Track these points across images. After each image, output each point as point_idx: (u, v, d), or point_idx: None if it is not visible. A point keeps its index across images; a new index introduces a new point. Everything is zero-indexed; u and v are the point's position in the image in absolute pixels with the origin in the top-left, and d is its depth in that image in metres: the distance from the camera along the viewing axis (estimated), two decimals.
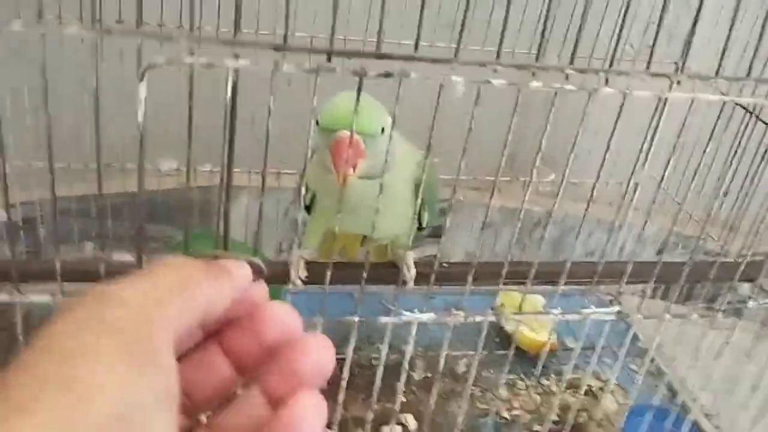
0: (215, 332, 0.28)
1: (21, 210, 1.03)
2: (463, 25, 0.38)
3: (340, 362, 1.01)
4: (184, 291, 0.25)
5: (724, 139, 0.82)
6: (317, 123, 0.61)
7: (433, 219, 0.75)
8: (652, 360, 1.11)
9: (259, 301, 0.28)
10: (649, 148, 1.00)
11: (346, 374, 0.54)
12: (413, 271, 0.70)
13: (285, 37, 0.32)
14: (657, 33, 0.51)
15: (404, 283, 0.69)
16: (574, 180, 1.23)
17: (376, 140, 0.62)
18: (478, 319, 0.58)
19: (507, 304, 1.08)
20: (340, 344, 1.08)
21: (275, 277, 0.64)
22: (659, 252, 1.28)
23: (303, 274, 0.69)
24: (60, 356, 0.21)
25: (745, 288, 1.01)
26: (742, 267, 0.63)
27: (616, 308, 0.60)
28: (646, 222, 0.61)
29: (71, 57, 0.61)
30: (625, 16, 0.54)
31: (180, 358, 0.27)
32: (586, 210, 0.59)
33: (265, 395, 0.26)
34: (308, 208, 0.75)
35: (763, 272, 0.75)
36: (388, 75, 0.36)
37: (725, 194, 0.65)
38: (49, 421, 0.19)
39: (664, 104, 0.54)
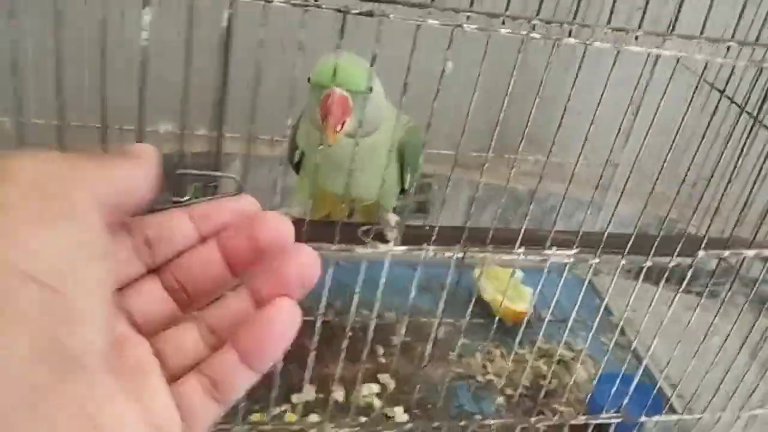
0: (214, 234, 0.30)
1: None
2: None
3: (325, 323, 1.05)
4: (99, 161, 0.25)
5: (696, 121, 0.86)
6: (309, 80, 0.64)
7: (415, 182, 0.78)
8: (623, 333, 1.16)
9: (253, 211, 0.30)
10: (631, 127, 1.05)
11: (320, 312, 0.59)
12: (395, 229, 0.73)
13: None
14: None
15: (385, 241, 0.72)
16: (557, 160, 1.27)
17: (365, 98, 0.64)
18: (447, 254, 0.62)
19: (488, 275, 1.13)
20: (327, 306, 1.11)
21: None
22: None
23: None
24: None
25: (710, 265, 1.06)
26: (682, 240, 0.68)
27: (575, 251, 0.64)
28: (606, 193, 0.65)
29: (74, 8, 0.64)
30: None
31: (179, 253, 0.30)
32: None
33: (251, 295, 0.29)
34: (297, 167, 0.78)
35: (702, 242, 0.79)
36: (369, 14, 0.40)
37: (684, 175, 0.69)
38: None
39: (653, 62, 0.58)
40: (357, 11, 0.40)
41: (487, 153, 0.61)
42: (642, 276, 0.73)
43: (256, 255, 0.29)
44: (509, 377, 1.01)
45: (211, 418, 0.28)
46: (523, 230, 0.63)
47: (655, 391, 0.96)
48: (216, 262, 0.29)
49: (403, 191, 0.79)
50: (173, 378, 0.28)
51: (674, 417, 0.84)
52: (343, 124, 0.64)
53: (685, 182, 1.11)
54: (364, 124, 0.63)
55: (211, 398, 0.28)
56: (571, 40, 0.54)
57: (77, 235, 0.23)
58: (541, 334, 0.81)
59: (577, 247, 0.64)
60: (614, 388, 0.81)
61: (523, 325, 1.11)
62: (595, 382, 0.93)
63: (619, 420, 0.81)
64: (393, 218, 0.74)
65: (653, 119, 0.75)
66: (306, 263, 0.29)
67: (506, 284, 1.12)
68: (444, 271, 1.25)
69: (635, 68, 1.20)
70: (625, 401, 0.80)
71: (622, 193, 0.71)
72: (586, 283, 0.80)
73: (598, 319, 0.84)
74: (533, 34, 0.50)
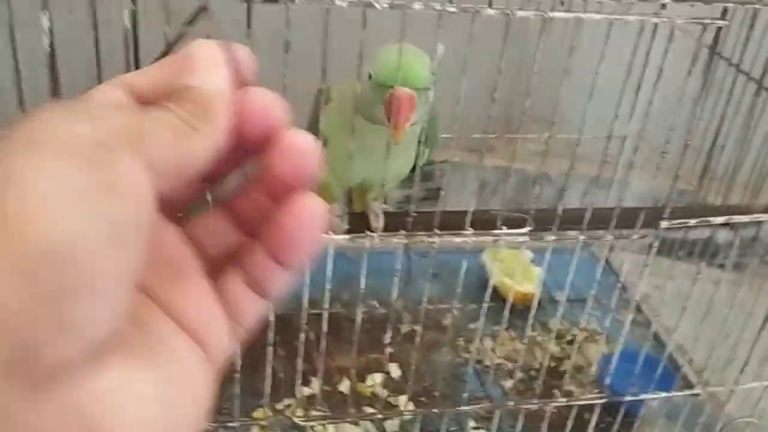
0: None
1: None
2: None
3: (329, 315, 1.06)
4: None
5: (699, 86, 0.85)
6: (369, 77, 0.65)
7: (434, 154, 0.79)
8: (640, 310, 1.15)
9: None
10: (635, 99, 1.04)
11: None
12: (381, 218, 0.74)
13: None
14: None
15: (372, 230, 0.73)
16: (566, 136, 1.26)
17: (426, 92, 0.67)
18: (395, 240, 0.62)
19: (494, 258, 1.13)
20: (333, 299, 1.12)
21: None
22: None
23: (345, 226, 0.73)
24: None
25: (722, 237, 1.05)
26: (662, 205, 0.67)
27: (527, 230, 0.64)
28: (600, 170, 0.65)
29: None
30: None
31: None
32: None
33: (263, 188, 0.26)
34: None
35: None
36: (274, 0, 0.40)
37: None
38: None
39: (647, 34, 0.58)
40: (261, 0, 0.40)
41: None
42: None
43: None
44: (519, 360, 1.01)
45: (255, 313, 0.26)
46: (471, 211, 0.63)
47: (670, 368, 0.95)
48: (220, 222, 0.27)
49: (413, 170, 0.79)
50: (212, 270, 0.26)
51: (687, 392, 0.83)
52: (407, 121, 0.66)
53: (689, 148, 1.09)
54: (420, 114, 0.66)
55: (252, 291, 0.26)
56: (561, 14, 0.54)
57: (111, 208, 0.19)
58: (559, 314, 0.81)
59: (529, 226, 0.64)
60: (621, 366, 0.81)
61: (533, 307, 1.11)
62: (599, 360, 0.93)
63: (624, 399, 0.80)
64: (378, 207, 0.75)
65: (654, 87, 0.74)
66: (299, 153, 0.25)
67: (513, 266, 1.12)
68: (453, 258, 1.26)
69: (634, 36, 1.19)
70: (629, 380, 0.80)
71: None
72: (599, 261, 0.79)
73: (615, 297, 0.83)
74: (520, 13, 0.50)
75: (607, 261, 1.29)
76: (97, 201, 0.18)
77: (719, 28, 0.60)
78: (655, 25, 0.81)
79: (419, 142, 0.76)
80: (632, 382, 0.83)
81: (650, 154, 1.21)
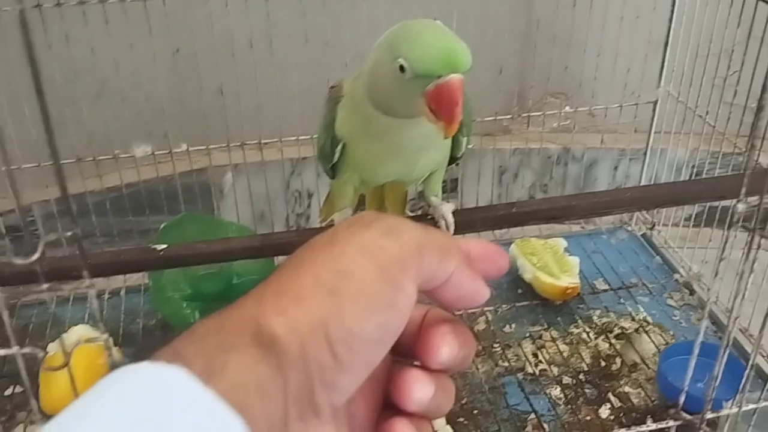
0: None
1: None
2: None
3: None
4: (441, 256, 0.29)
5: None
6: (401, 69, 0.56)
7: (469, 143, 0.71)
8: (692, 293, 1.07)
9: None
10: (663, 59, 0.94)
11: None
12: (452, 223, 0.67)
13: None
14: None
15: None
16: (586, 109, 1.18)
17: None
18: None
19: (524, 252, 1.05)
20: None
21: None
22: (695, 176, 1.22)
23: None
24: (329, 269, 0.27)
25: None
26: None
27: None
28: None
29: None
30: None
31: None
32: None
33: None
34: (332, 169, 0.71)
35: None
36: None
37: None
38: (315, 308, 0.26)
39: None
40: None
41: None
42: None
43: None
44: (565, 363, 0.93)
45: None
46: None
47: (735, 356, 0.87)
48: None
49: (452, 161, 0.71)
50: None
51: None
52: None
53: (733, 108, 1.00)
54: None
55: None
56: None
57: (392, 312, 0.28)
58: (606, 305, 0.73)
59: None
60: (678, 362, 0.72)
61: (573, 301, 1.03)
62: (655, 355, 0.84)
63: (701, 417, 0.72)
64: (449, 210, 0.67)
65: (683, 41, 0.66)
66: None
67: (546, 259, 1.04)
68: None
69: None
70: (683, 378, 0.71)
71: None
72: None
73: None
74: None
75: (645, 237, 1.20)
76: (381, 311, 0.27)
77: None
78: None
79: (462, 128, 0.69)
80: (697, 379, 0.75)
81: (686, 116, 1.12)
